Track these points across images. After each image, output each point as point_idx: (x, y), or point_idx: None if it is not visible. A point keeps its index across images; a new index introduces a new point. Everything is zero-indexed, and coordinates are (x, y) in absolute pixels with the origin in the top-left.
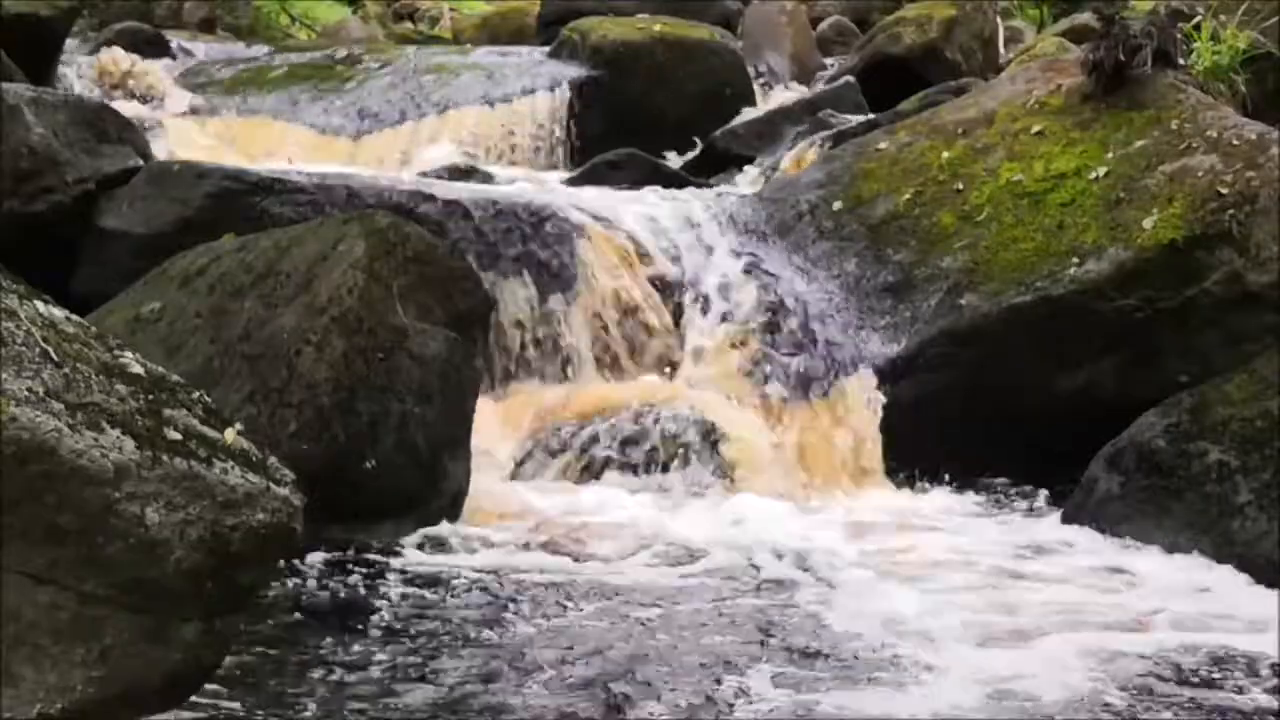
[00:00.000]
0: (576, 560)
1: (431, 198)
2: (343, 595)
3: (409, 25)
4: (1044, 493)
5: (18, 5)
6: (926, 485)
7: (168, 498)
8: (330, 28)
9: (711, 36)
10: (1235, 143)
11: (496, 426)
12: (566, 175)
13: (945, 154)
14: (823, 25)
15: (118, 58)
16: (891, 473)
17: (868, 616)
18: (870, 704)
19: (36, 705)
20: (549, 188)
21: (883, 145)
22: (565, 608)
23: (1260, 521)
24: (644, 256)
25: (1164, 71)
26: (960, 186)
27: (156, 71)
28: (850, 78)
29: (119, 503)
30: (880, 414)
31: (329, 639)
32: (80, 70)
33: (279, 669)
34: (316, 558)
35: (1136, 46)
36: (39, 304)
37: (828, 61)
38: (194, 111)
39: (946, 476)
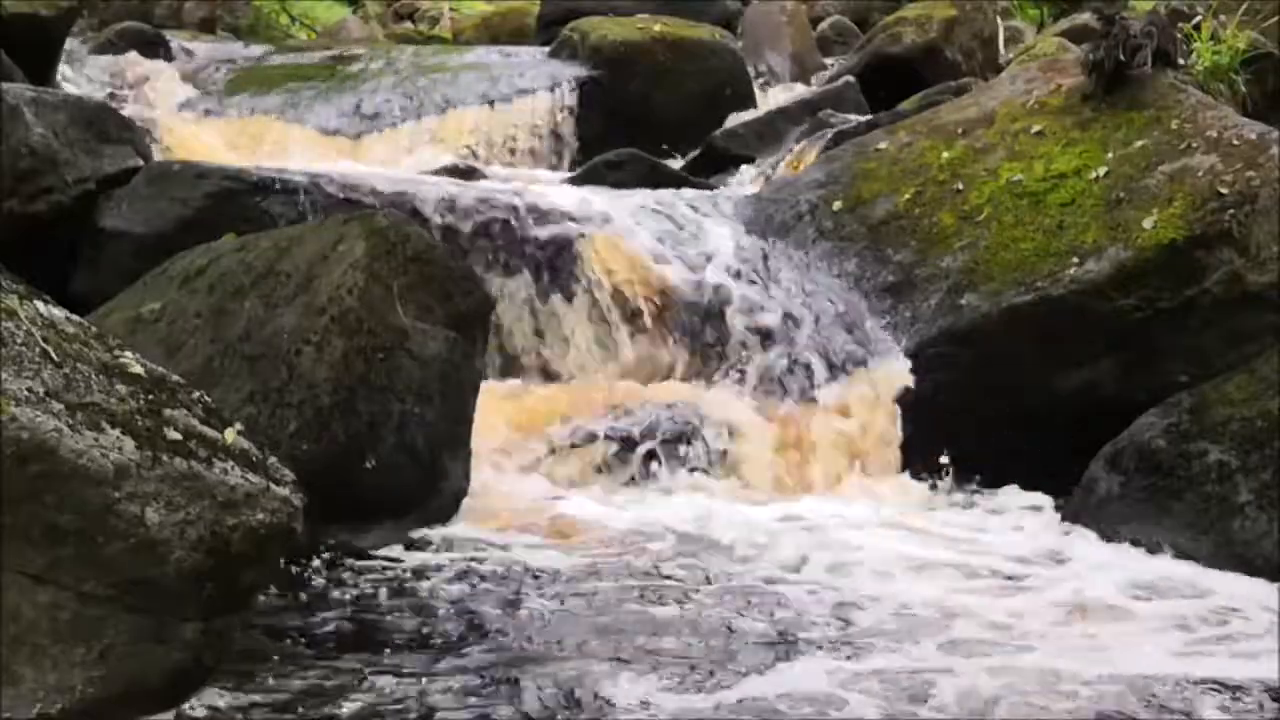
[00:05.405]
0: (578, 560)
1: (432, 198)
2: (342, 595)
3: (409, 25)
4: (1043, 492)
5: (18, 5)
6: (927, 485)
7: (168, 498)
8: (330, 28)
9: (711, 36)
10: (1235, 143)
11: (497, 425)
12: (566, 175)
13: (945, 154)
14: (823, 25)
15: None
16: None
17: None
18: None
19: (36, 705)
20: (549, 187)
21: (883, 145)
22: (567, 608)
23: (1260, 521)
24: (644, 256)
25: (1164, 71)
26: (960, 186)
27: (158, 72)
28: (850, 78)
29: (119, 503)
30: (879, 414)
31: (328, 639)
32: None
33: (279, 669)
34: (316, 557)
35: (1136, 46)
36: (39, 304)
37: (828, 61)
38: (194, 111)
39: (947, 476)
